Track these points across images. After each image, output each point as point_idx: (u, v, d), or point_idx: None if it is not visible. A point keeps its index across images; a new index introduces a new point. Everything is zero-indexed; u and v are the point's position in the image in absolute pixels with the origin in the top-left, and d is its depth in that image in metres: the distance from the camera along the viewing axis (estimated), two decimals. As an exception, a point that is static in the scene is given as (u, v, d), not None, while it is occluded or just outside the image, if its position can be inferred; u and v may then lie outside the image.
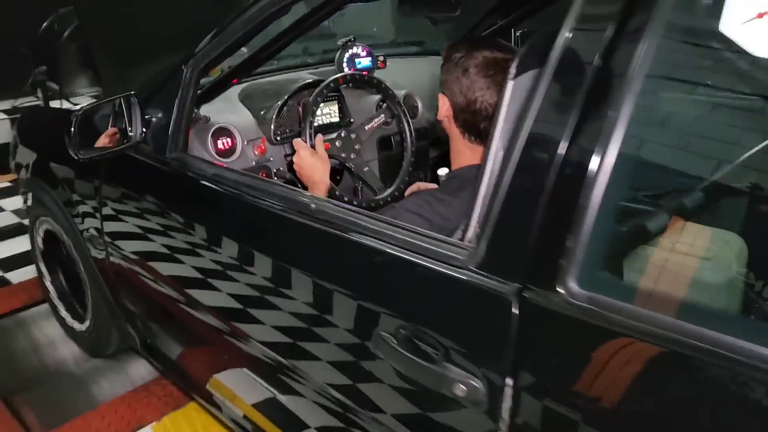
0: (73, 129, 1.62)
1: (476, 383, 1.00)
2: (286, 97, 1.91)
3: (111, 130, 1.74)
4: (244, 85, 2.08)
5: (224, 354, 1.68)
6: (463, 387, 1.01)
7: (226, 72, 1.83)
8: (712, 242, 1.05)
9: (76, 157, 1.66)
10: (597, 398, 0.88)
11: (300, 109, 1.93)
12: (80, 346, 2.39)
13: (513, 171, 0.97)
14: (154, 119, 1.65)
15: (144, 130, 1.64)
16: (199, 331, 1.72)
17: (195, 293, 1.62)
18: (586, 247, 0.90)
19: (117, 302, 2.05)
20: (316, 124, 1.92)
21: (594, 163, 0.88)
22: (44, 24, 3.28)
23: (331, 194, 1.72)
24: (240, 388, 1.67)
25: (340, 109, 2.04)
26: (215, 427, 1.99)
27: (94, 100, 2.24)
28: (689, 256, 1.03)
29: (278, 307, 1.36)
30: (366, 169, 1.93)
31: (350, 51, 2.22)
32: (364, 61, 2.25)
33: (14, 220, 3.47)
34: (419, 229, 1.13)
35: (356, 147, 1.92)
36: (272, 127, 1.88)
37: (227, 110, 1.92)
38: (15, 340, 2.48)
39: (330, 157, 1.80)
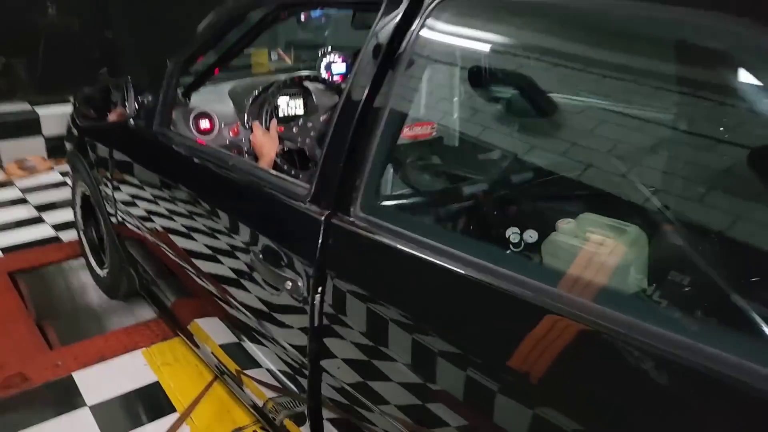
0: (75, 103, 2.16)
1: (299, 281, 1.41)
2: (258, 90, 2.38)
3: (118, 108, 2.27)
4: (234, 82, 2.57)
5: (202, 300, 2.13)
6: (290, 283, 1.43)
7: (207, 66, 2.32)
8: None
9: (74, 127, 2.19)
10: (371, 285, 1.27)
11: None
12: (101, 288, 2.95)
13: (331, 133, 1.39)
14: (146, 101, 2.16)
15: (137, 108, 2.16)
16: (183, 278, 2.18)
17: (177, 243, 2.08)
18: (366, 185, 1.31)
19: (125, 252, 2.57)
20: (282, 114, 2.37)
21: (372, 124, 1.30)
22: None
23: (274, 166, 2.16)
24: (212, 331, 2.11)
25: (305, 104, 2.49)
26: (191, 357, 2.46)
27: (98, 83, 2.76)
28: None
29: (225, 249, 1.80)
30: (317, 151, 2.36)
31: (327, 59, 2.67)
32: (339, 68, 2.70)
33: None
34: (280, 173, 1.58)
35: (311, 134, 2.36)
36: (245, 114, 2.36)
37: (215, 100, 2.42)
38: (55, 283, 3.07)
39: (286, 139, 2.25)
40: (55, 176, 4.43)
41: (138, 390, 2.33)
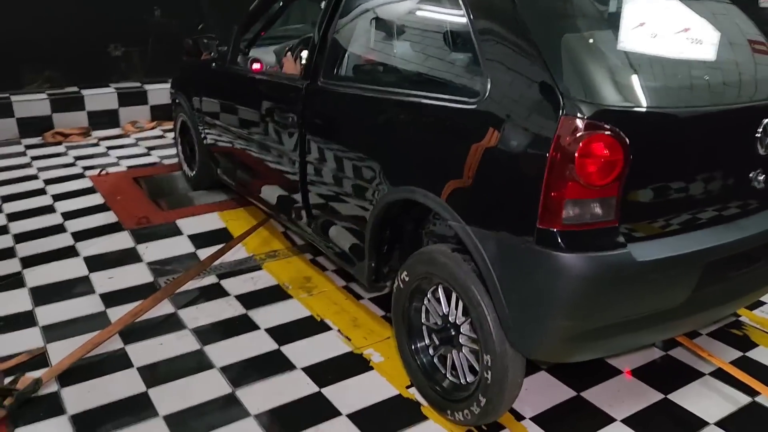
0: (186, 48, 3.68)
1: (294, 117, 2.84)
2: (289, 46, 3.82)
3: (205, 55, 3.78)
4: (278, 45, 4.03)
5: (255, 176, 3.58)
6: (291, 117, 2.86)
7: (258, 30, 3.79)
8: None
9: (180, 71, 3.73)
10: (323, 115, 2.71)
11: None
12: (189, 185, 4.49)
13: (309, 51, 2.83)
14: (221, 49, 3.66)
15: (217, 54, 3.66)
16: (245, 164, 3.64)
17: (240, 136, 3.55)
18: (324, 69, 2.73)
19: (209, 153, 4.07)
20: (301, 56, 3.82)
21: (323, 46, 2.73)
22: (200, 26, 5.52)
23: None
24: (266, 194, 3.53)
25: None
26: (247, 216, 3.94)
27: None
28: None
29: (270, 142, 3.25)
30: None
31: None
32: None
33: (172, 141, 5.74)
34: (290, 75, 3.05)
35: None
36: (283, 57, 3.81)
37: (266, 54, 3.88)
38: (162, 183, 4.64)
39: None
40: (157, 132, 6.07)
41: (215, 230, 3.82)
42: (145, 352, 2.69)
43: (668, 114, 1.86)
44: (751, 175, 2.02)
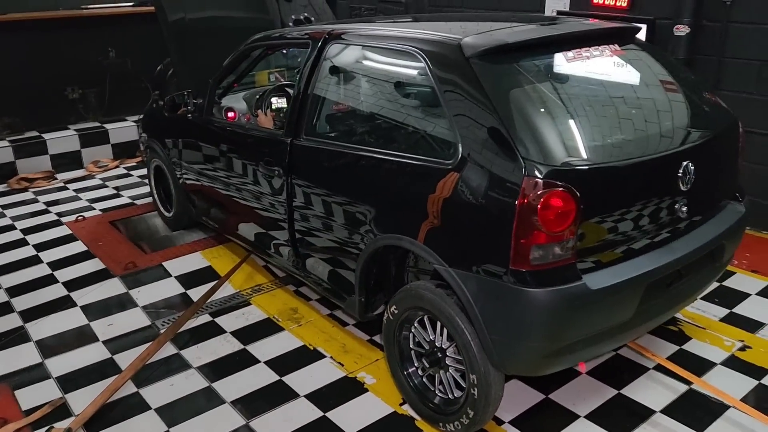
0: (163, 104, 3.94)
1: (280, 172, 3.16)
2: (260, 94, 4.11)
3: (182, 108, 4.04)
4: (246, 92, 4.31)
5: (235, 217, 3.86)
6: (277, 170, 3.18)
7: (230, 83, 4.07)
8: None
9: (151, 121, 3.99)
10: (308, 172, 3.05)
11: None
12: (168, 225, 4.72)
13: (290, 108, 3.15)
14: (198, 102, 3.93)
15: (194, 107, 3.92)
16: (224, 203, 3.91)
17: (219, 181, 3.83)
18: (305, 126, 3.07)
19: (187, 197, 4.32)
20: (274, 106, 4.11)
21: (304, 101, 3.06)
22: (158, 68, 5.70)
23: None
24: (244, 231, 3.82)
25: (287, 100, 4.22)
26: (229, 253, 4.21)
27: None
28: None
29: (245, 186, 3.56)
30: None
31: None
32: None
33: (138, 179, 5.90)
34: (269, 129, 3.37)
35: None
36: (254, 107, 4.09)
37: (236, 101, 4.16)
38: (140, 225, 4.85)
39: (276, 120, 3.99)
40: (121, 170, 6.22)
41: (201, 269, 4.09)
42: (159, 393, 2.96)
43: (608, 167, 2.29)
44: (676, 207, 2.47)
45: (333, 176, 2.94)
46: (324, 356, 3.21)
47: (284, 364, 3.16)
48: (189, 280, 3.97)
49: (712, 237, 2.61)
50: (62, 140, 6.12)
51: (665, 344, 3.22)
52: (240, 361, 3.19)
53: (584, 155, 2.30)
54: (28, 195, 5.62)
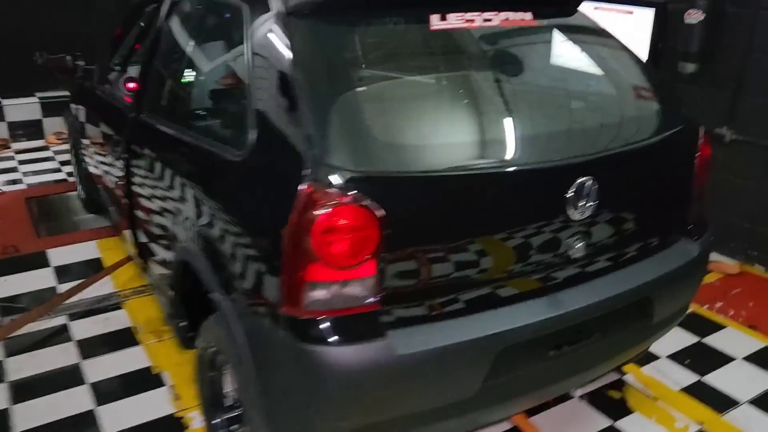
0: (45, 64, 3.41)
1: (123, 144, 2.57)
2: None
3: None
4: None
5: (112, 203, 3.31)
6: (118, 149, 2.58)
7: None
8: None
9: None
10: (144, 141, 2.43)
11: None
12: (85, 207, 4.23)
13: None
14: (88, 67, 3.38)
15: (82, 73, 3.38)
16: (106, 189, 3.37)
17: (99, 167, 3.27)
18: (145, 104, 2.45)
19: (88, 177, 3.80)
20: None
21: (148, 69, 2.45)
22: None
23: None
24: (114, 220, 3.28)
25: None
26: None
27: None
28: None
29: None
30: None
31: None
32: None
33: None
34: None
35: None
36: None
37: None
38: (55, 205, 4.38)
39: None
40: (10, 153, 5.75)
41: (87, 260, 3.56)
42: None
43: (444, 176, 1.57)
44: (565, 241, 1.73)
45: (152, 161, 2.32)
46: (163, 385, 2.60)
47: (112, 389, 2.57)
48: (68, 272, 3.44)
49: (628, 288, 1.84)
50: (22, 108, 5.75)
51: (594, 416, 2.45)
52: (63, 380, 2.62)
53: (409, 159, 1.58)
54: (-29, 162, 5.29)
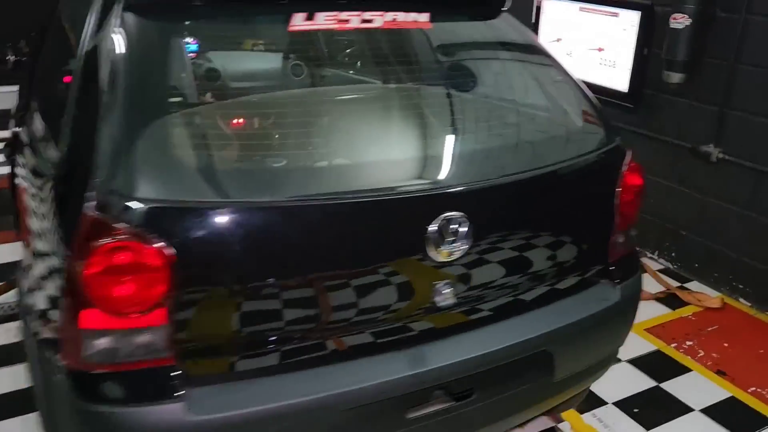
0: None
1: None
2: None
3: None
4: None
5: None
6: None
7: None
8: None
9: None
10: None
11: None
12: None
13: None
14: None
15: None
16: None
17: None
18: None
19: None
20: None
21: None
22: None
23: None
24: None
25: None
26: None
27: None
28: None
29: None
30: None
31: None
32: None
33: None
34: None
35: None
36: None
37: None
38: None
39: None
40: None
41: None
42: None
43: (256, 208, 1.30)
44: (428, 287, 1.45)
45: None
46: (30, 412, 2.38)
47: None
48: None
49: (517, 341, 1.55)
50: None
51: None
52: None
53: (223, 188, 1.32)
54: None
